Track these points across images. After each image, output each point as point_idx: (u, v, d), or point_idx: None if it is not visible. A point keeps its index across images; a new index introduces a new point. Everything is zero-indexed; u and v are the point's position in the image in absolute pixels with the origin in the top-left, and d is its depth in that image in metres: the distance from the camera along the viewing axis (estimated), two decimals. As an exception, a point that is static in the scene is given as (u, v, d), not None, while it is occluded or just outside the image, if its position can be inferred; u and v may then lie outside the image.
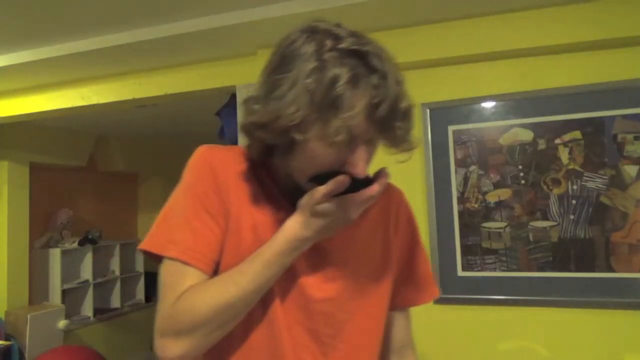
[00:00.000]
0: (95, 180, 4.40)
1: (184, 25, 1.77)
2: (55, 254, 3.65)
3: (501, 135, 1.68)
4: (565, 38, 1.58)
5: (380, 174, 0.67)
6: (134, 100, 2.24)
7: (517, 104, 1.67)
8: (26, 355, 3.11)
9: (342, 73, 0.60)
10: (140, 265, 4.52)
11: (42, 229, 3.77)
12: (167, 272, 0.70)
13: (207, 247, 0.71)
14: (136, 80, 2.20)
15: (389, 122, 0.63)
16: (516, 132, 1.67)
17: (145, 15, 1.72)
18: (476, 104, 1.72)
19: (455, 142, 1.74)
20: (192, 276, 0.69)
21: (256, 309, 0.71)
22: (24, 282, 3.44)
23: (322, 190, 0.64)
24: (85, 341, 3.74)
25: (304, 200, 0.67)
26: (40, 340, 3.21)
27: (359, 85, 0.61)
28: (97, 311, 3.97)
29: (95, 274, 3.97)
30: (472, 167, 1.71)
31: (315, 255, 0.74)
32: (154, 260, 0.73)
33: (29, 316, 3.16)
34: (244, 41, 1.88)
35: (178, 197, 0.75)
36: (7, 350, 2.98)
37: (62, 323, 3.43)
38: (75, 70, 2.19)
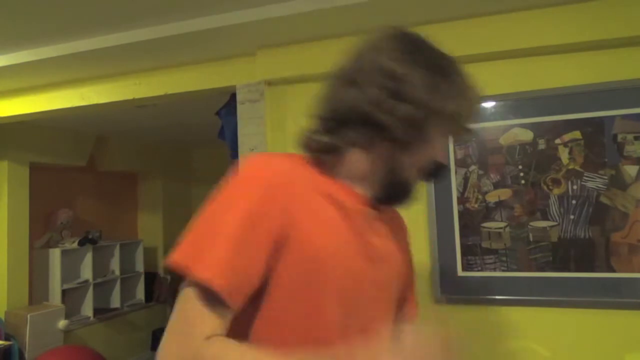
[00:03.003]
0: (95, 180, 4.40)
1: (184, 25, 1.76)
2: (55, 254, 3.65)
3: (501, 135, 1.68)
4: (565, 38, 1.58)
5: None
6: (134, 100, 2.24)
7: (517, 104, 1.67)
8: (26, 355, 3.11)
9: (463, 77, 0.75)
10: (140, 265, 4.52)
11: (42, 229, 3.77)
12: (190, 303, 0.62)
13: (246, 282, 0.64)
14: (136, 80, 2.20)
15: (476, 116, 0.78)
16: (516, 132, 1.67)
17: (145, 15, 1.72)
18: (476, 104, 1.72)
19: (455, 142, 1.74)
20: (218, 315, 0.62)
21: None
22: (24, 282, 3.43)
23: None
24: (85, 341, 3.73)
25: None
26: (40, 340, 3.20)
27: (471, 84, 0.76)
28: (97, 311, 3.97)
29: (95, 274, 3.97)
30: (472, 167, 1.71)
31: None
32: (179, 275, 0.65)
33: (29, 316, 3.16)
34: (244, 41, 1.88)
35: (222, 213, 0.66)
36: (7, 350, 2.98)
37: (62, 323, 3.43)
38: (75, 70, 2.19)
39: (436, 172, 0.78)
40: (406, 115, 0.69)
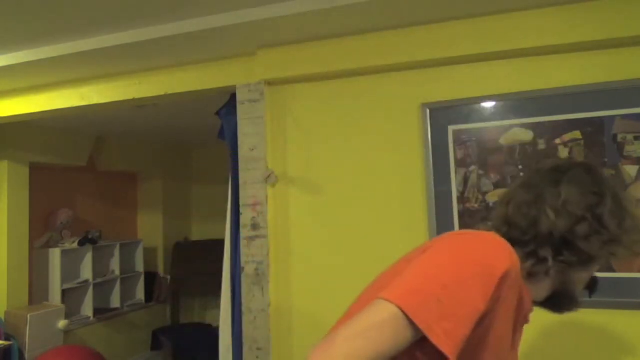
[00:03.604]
0: (95, 180, 4.40)
1: (184, 25, 1.77)
2: (55, 254, 3.65)
3: (501, 135, 1.68)
4: (565, 38, 1.58)
5: None
6: (134, 100, 2.24)
7: (517, 104, 1.67)
8: (26, 355, 3.11)
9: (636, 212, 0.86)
10: (140, 265, 4.53)
11: (42, 229, 3.78)
12: (391, 322, 0.67)
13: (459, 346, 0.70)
14: (136, 80, 2.20)
15: None
16: (516, 132, 1.67)
17: (145, 15, 1.72)
18: (476, 104, 1.72)
19: (455, 142, 1.73)
20: (399, 346, 0.67)
21: None
22: (24, 282, 3.44)
23: None
24: (85, 341, 3.74)
25: None
26: (40, 340, 3.21)
27: None
28: (97, 311, 3.97)
29: (95, 274, 3.97)
30: (472, 167, 1.71)
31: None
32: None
33: (29, 316, 3.16)
34: (244, 41, 1.88)
35: (470, 287, 0.72)
36: (7, 350, 2.98)
37: (62, 323, 3.43)
38: (75, 70, 2.19)
39: (593, 285, 0.91)
40: (599, 245, 0.81)
